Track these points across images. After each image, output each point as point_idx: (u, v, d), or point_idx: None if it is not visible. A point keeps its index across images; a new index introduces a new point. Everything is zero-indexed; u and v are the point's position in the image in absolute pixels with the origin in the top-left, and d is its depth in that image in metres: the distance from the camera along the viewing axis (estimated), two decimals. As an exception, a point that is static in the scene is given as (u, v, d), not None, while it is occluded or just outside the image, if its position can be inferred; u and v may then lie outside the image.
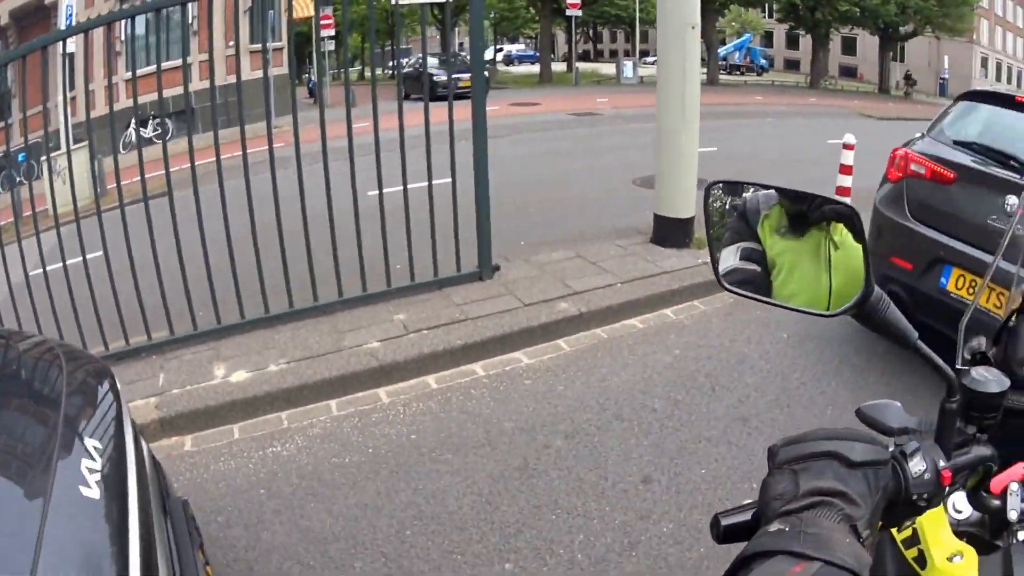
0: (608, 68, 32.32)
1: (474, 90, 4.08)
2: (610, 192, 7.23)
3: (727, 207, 0.87)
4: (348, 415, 3.22)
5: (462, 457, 2.80)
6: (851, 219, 0.75)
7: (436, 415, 3.15)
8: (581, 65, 31.81)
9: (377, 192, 3.85)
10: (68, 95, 4.62)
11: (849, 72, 36.26)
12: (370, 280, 4.00)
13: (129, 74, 3.76)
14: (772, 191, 0.80)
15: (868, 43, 33.64)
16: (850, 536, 0.61)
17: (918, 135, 3.57)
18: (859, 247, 0.73)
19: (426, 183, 3.93)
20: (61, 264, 3.84)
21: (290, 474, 2.82)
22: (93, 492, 1.59)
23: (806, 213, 0.78)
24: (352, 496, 2.62)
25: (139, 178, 3.87)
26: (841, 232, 0.76)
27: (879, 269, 3.18)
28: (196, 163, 3.75)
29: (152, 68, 4.45)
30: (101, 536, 1.54)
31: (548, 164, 9.45)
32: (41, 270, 3.85)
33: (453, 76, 4.28)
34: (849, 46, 36.54)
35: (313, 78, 22.27)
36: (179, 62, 4.30)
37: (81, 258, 3.76)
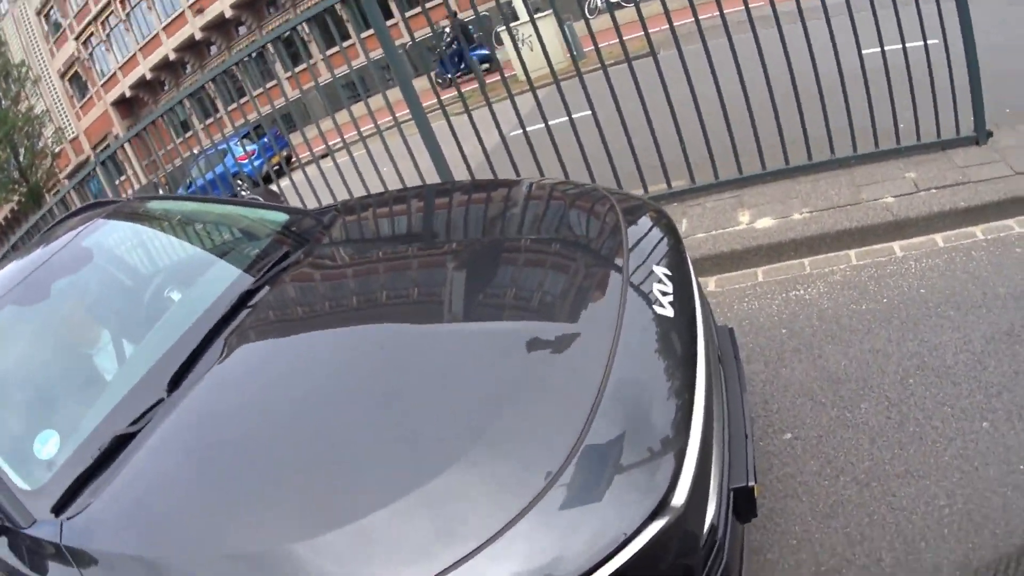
0: None
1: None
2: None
3: None
4: (866, 265, 3.44)
5: (962, 315, 2.90)
6: None
7: (942, 272, 3.23)
8: None
9: (873, 50, 3.85)
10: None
11: None
12: (880, 138, 4.10)
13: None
14: None
15: None
16: None
17: None
18: None
19: (918, 43, 3.79)
20: (543, 124, 4.42)
21: (811, 316, 3.14)
22: (666, 311, 1.75)
23: None
24: (866, 341, 2.86)
25: (615, 40, 4.21)
26: None
27: None
28: (676, 23, 4.01)
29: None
30: (673, 347, 1.67)
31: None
32: (521, 131, 4.43)
33: None
34: None
35: None
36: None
37: (567, 118, 4.35)
